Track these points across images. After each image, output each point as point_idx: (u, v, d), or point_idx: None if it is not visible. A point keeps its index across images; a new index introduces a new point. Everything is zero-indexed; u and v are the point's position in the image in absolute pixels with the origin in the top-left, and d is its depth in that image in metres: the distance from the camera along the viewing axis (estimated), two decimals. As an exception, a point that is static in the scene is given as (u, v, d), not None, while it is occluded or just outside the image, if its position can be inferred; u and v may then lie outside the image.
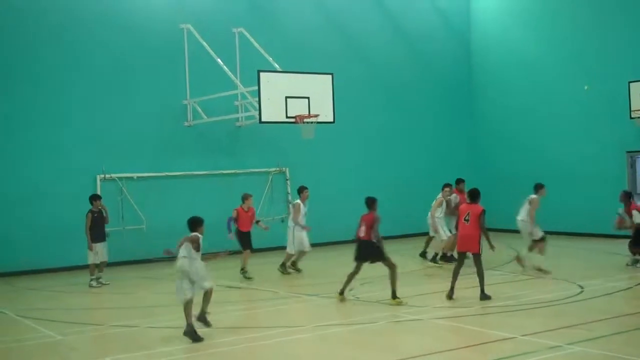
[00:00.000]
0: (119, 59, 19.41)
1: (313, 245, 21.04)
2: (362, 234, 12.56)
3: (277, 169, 21.50)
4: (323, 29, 22.69)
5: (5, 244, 17.72)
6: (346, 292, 12.86)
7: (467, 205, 12.75)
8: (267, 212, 20.43)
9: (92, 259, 15.61)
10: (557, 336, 9.70)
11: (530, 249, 15.53)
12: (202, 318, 10.76)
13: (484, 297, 12.30)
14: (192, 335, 10.21)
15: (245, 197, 16.07)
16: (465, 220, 12.42)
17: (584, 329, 10.09)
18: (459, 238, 12.66)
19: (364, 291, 13.74)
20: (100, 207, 15.85)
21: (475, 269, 12.42)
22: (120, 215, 18.52)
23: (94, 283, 15.58)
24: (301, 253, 16.38)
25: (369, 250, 12.51)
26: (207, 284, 10.50)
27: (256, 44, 19.32)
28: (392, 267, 12.41)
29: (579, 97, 21.93)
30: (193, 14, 20.23)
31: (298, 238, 16.12)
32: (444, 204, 16.87)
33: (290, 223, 16.29)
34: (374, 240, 12.43)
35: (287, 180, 21.68)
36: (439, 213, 16.84)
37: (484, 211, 12.45)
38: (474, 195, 12.72)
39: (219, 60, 19.02)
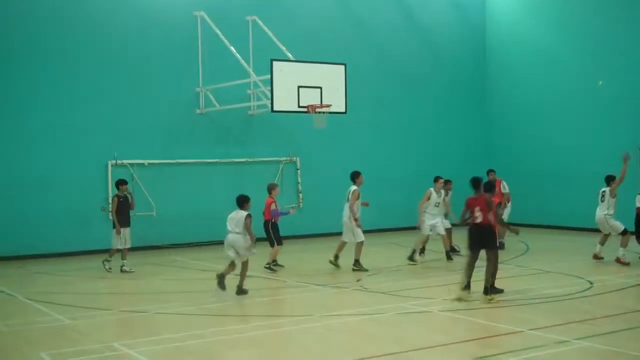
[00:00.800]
0: (132, 46, 19.44)
1: (324, 235, 21.17)
2: (479, 219, 11.87)
3: (288, 158, 21.51)
4: (337, 18, 22.62)
5: (17, 228, 17.85)
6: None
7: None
8: (278, 201, 20.39)
9: (117, 244, 15.58)
10: (565, 331, 9.67)
11: (602, 242, 15.76)
12: (241, 290, 12.53)
13: (494, 291, 12.23)
14: (221, 281, 12.34)
15: (274, 187, 15.68)
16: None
17: (592, 324, 10.05)
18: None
19: (372, 282, 13.74)
20: (126, 192, 15.85)
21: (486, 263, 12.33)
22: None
23: (106, 265, 15.62)
24: (343, 244, 15.55)
25: (487, 236, 11.91)
26: (247, 254, 12.47)
27: (270, 33, 19.29)
28: (495, 258, 11.94)
29: (595, 92, 21.74)
30: (207, 2, 20.20)
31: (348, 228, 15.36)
32: (434, 197, 16.31)
33: (348, 211, 15.43)
34: (494, 224, 11.89)
35: (297, 169, 21.67)
36: (426, 207, 16.27)
37: (499, 204, 12.44)
38: (489, 189, 12.63)
39: (232, 48, 19.01)
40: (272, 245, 15.40)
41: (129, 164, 19.13)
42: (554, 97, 23.06)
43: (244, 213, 12.29)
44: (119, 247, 15.62)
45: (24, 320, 11.02)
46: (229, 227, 12.34)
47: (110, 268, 15.64)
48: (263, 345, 9.52)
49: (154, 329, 10.54)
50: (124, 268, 15.60)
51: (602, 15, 21.89)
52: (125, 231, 15.65)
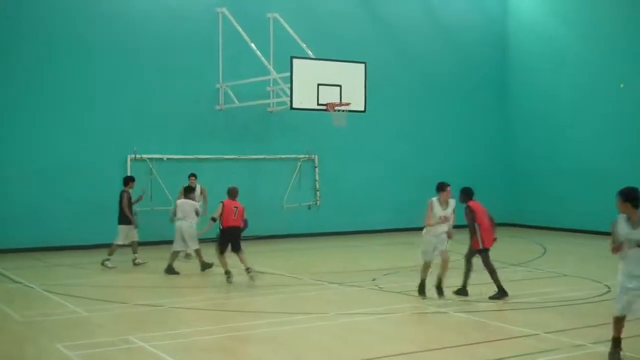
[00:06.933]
0: (154, 41, 19.55)
1: (341, 233, 21.12)
2: None
3: (306, 156, 21.52)
4: (357, 16, 22.57)
5: (36, 220, 18.02)
6: None
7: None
8: (295, 199, 20.45)
9: (131, 237, 15.85)
10: (581, 335, 9.60)
11: None
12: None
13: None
14: None
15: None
16: None
17: (608, 329, 9.94)
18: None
19: (387, 282, 13.72)
20: (131, 189, 16.08)
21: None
22: (149, 196, 18.65)
23: (109, 264, 15.54)
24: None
25: None
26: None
27: (290, 30, 19.29)
28: None
29: (618, 94, 21.48)
30: (229, -2, 20.27)
31: None
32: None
33: None
34: None
35: (315, 167, 21.67)
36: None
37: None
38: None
39: (252, 45, 19.05)
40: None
41: (148, 158, 19.24)
42: (575, 98, 22.82)
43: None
44: (124, 242, 15.72)
45: (41, 312, 11.13)
46: None
47: (135, 263, 15.68)
48: (277, 341, 9.53)
49: (168, 323, 10.60)
50: (137, 261, 15.71)
51: (625, 16, 21.64)
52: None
